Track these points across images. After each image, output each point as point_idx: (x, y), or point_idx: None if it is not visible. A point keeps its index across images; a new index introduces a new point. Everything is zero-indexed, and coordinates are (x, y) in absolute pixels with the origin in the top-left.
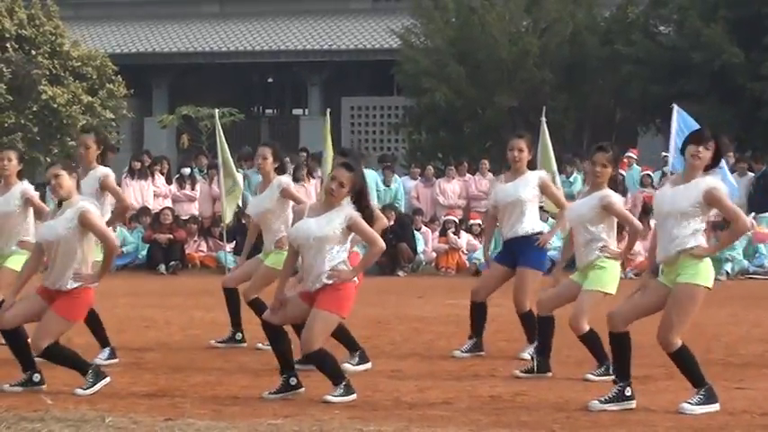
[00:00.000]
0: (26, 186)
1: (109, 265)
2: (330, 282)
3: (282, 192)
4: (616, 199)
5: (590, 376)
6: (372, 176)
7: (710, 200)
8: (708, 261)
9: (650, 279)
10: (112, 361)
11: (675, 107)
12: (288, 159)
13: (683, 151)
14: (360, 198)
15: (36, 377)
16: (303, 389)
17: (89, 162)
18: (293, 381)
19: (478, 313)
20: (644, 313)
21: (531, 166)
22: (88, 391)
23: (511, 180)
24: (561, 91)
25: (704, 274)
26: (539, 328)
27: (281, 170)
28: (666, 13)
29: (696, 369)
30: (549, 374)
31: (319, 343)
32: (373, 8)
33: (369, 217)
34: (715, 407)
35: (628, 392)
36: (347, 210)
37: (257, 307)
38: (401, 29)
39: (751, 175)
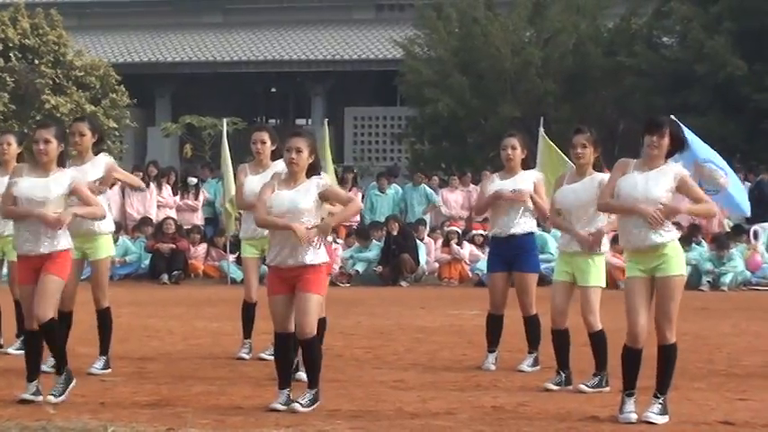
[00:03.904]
0: None
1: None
2: (311, 263)
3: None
4: None
5: (582, 387)
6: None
7: (681, 184)
8: (682, 250)
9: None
10: (106, 371)
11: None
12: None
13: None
14: (313, 166)
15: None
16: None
17: (85, 150)
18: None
19: (496, 325)
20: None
21: (527, 165)
22: (60, 399)
23: (505, 178)
24: (564, 102)
25: (683, 263)
26: (557, 342)
27: (278, 155)
28: (670, 25)
29: (673, 372)
30: (571, 387)
31: (316, 325)
32: (377, 18)
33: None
34: (667, 418)
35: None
36: (316, 179)
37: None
38: (404, 39)
39: (747, 185)
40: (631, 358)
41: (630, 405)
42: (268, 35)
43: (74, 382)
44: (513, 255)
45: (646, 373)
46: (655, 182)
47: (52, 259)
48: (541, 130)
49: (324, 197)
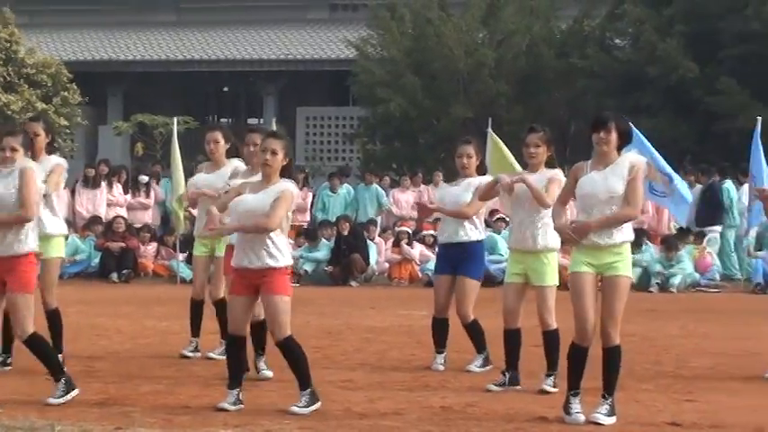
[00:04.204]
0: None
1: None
2: (275, 265)
3: (234, 174)
4: (563, 178)
5: (547, 387)
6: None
7: (634, 173)
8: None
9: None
10: None
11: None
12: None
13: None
14: (286, 168)
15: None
16: (243, 406)
17: (38, 151)
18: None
19: (441, 328)
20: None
21: (481, 171)
22: (61, 400)
23: (457, 184)
24: (516, 103)
25: (631, 265)
26: (508, 342)
27: (233, 153)
28: (622, 27)
29: (619, 373)
30: (519, 387)
31: (288, 326)
32: (330, 18)
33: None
34: (614, 419)
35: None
36: (285, 184)
37: (222, 308)
38: (357, 39)
39: (698, 187)
40: (578, 357)
41: (576, 405)
42: (221, 34)
43: (76, 390)
44: (459, 259)
45: (592, 374)
46: (613, 177)
47: (17, 274)
48: (490, 129)
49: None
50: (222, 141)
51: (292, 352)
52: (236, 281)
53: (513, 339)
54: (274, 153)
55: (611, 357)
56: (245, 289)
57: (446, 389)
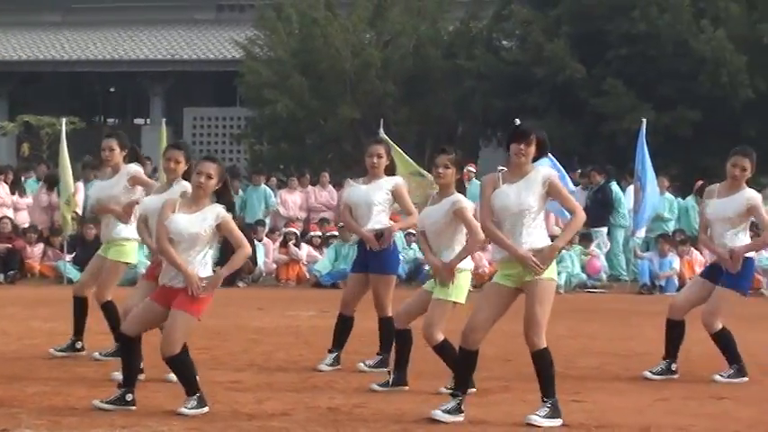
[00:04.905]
0: None
1: None
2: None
3: (132, 179)
4: (467, 205)
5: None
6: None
7: (551, 188)
8: None
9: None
10: None
11: (517, 122)
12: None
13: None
14: (224, 192)
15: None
16: (135, 408)
17: None
18: (129, 397)
19: (344, 326)
20: (496, 320)
21: (390, 171)
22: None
23: (367, 183)
24: (404, 103)
25: (554, 268)
26: (396, 342)
27: (131, 157)
28: (509, 28)
29: (553, 376)
30: (406, 388)
31: (180, 345)
32: (217, 19)
33: (231, 208)
34: (558, 421)
35: (461, 406)
36: (218, 209)
37: (110, 311)
38: (244, 40)
39: (590, 188)
40: (462, 358)
41: (451, 404)
42: (108, 34)
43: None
44: (372, 255)
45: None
46: (526, 191)
47: None
48: (381, 131)
49: (220, 230)
50: (118, 149)
51: (181, 365)
52: (159, 292)
53: (401, 340)
54: (209, 177)
55: (540, 361)
56: (164, 301)
57: (334, 389)
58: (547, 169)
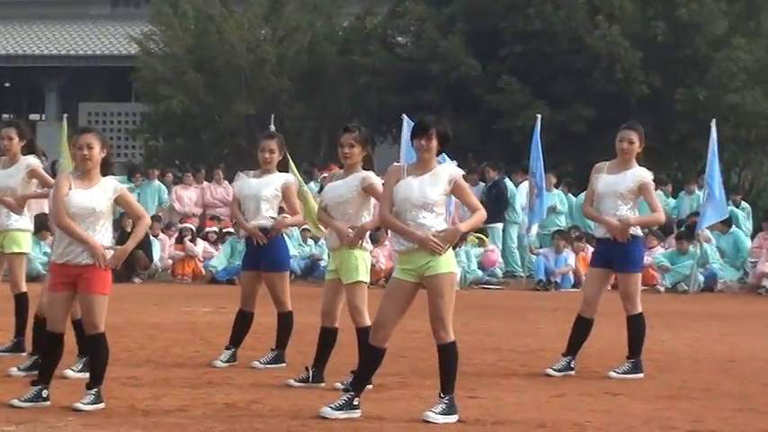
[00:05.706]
0: None
1: None
2: (92, 261)
3: (30, 172)
4: (376, 180)
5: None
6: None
7: (456, 188)
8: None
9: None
10: None
11: (405, 118)
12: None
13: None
14: (106, 164)
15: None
16: (49, 403)
17: None
18: (45, 393)
19: (243, 322)
20: (401, 315)
21: (282, 167)
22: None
23: (258, 177)
24: (299, 99)
25: (453, 261)
26: (320, 340)
27: (29, 149)
28: (404, 25)
29: (455, 371)
30: (323, 385)
31: (102, 323)
32: (112, 14)
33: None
34: (455, 418)
35: (356, 402)
36: (114, 182)
37: (21, 305)
38: (140, 35)
39: (482, 185)
40: (369, 356)
41: (341, 401)
42: (1, 30)
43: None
44: (262, 252)
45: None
46: (431, 186)
47: None
48: (272, 126)
49: (117, 203)
50: (16, 139)
51: (98, 350)
52: (55, 278)
53: (327, 338)
54: (90, 147)
55: (444, 354)
56: (65, 287)
57: (230, 385)
58: (454, 168)
